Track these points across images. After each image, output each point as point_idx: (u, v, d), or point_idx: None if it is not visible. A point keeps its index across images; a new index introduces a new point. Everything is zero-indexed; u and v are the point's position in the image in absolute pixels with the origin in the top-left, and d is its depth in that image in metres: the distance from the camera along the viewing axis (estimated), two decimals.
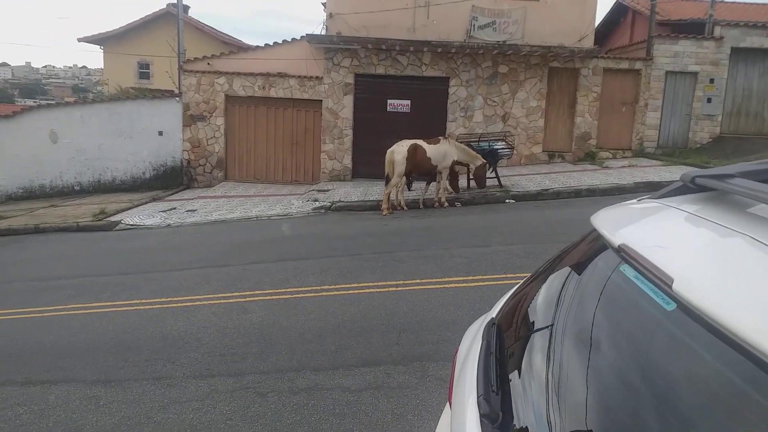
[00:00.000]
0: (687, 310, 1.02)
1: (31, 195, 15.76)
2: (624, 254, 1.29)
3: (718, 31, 15.93)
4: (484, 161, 11.95)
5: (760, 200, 1.14)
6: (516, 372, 1.59)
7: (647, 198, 1.64)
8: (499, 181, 12.78)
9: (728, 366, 0.92)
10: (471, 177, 12.32)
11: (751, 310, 0.91)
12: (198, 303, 6.42)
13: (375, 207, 11.81)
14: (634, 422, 1.09)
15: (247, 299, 6.41)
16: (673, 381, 1.05)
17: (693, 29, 16.46)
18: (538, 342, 1.62)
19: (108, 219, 12.45)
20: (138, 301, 6.68)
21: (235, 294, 6.63)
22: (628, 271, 1.28)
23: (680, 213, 1.37)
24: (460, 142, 12.18)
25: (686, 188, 1.46)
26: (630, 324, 1.26)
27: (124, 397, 4.32)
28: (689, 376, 1.02)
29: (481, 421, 1.35)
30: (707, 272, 1.09)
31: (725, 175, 1.31)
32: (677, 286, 1.04)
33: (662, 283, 1.09)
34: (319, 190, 14.23)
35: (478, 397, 1.43)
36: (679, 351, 1.06)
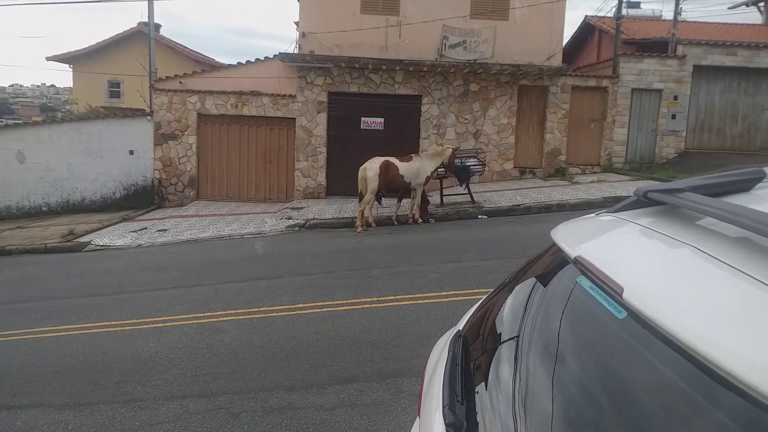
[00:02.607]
0: (637, 318, 1.07)
1: None
2: (580, 266, 1.34)
3: (680, 49, 16.45)
4: (453, 148, 12.02)
5: (706, 213, 1.20)
6: (483, 384, 1.62)
7: (604, 212, 1.71)
8: (471, 197, 12.91)
9: (675, 370, 0.97)
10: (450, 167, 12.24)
11: (693, 316, 0.97)
12: (169, 324, 6.34)
13: (349, 224, 11.83)
14: (595, 430, 1.13)
15: (220, 319, 6.35)
16: (627, 387, 1.09)
17: (657, 48, 16.98)
18: (504, 353, 1.66)
19: (77, 240, 12.24)
20: (108, 323, 6.57)
21: (207, 314, 6.57)
22: (584, 282, 1.33)
23: (633, 226, 1.44)
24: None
25: (640, 202, 1.53)
26: (587, 333, 1.31)
27: (93, 421, 4.24)
28: (640, 381, 1.06)
29: (446, 430, 1.38)
30: (655, 281, 1.14)
31: (675, 190, 1.37)
32: (627, 295, 1.09)
33: (614, 292, 1.14)
34: (293, 208, 14.20)
35: (443, 408, 1.46)
36: (631, 358, 1.11)
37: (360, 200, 11.32)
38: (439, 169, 11.88)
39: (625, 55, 16.49)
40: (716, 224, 1.21)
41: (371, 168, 11.05)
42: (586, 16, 21.19)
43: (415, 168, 11.28)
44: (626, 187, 13.43)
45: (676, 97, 16.42)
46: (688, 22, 19.89)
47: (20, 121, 21.63)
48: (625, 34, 17.44)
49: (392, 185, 11.30)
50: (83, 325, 6.57)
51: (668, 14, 20.78)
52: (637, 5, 22.89)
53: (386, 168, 11.03)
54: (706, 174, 1.61)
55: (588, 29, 21.23)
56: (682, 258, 1.17)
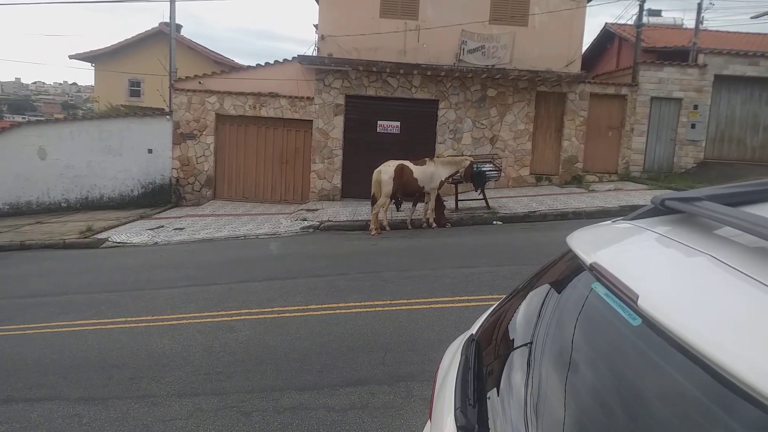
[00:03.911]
0: (651, 325, 1.07)
1: (17, 211, 15.65)
2: (595, 272, 1.34)
3: (701, 58, 16.29)
4: (471, 160, 12.06)
5: (724, 223, 1.19)
6: (495, 389, 1.62)
7: (620, 219, 1.71)
8: (486, 202, 12.87)
9: (689, 378, 0.97)
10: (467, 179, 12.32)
11: (709, 325, 0.96)
12: (184, 321, 6.40)
13: (363, 227, 11.85)
14: None
15: (234, 318, 6.40)
16: (640, 394, 1.09)
17: (677, 56, 16.84)
18: (516, 359, 1.66)
19: (95, 236, 12.38)
20: (123, 319, 6.65)
21: (221, 312, 6.62)
22: (599, 289, 1.33)
23: (650, 234, 1.43)
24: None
25: (657, 210, 1.52)
26: (601, 339, 1.31)
27: (107, 416, 4.28)
28: (654, 388, 1.06)
29: None
30: (670, 289, 1.14)
31: (693, 198, 1.37)
32: (642, 302, 1.09)
33: (629, 299, 1.14)
34: (308, 210, 14.26)
35: (455, 410, 1.47)
36: (645, 365, 1.11)
37: (373, 203, 11.34)
38: (454, 176, 11.89)
39: (645, 63, 16.37)
40: (734, 233, 1.20)
41: (386, 171, 11.07)
42: (606, 23, 21.09)
43: (429, 172, 11.28)
44: (643, 196, 13.32)
45: (696, 107, 16.26)
46: (710, 31, 19.70)
47: (42, 118, 21.95)
48: (645, 42, 17.31)
49: (406, 189, 11.32)
50: (99, 321, 6.65)
51: (690, 23, 20.57)
52: (658, 13, 22.72)
53: (401, 172, 11.05)
54: (724, 184, 1.60)
55: (608, 37, 21.11)
56: (698, 266, 1.17)
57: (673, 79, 16.21)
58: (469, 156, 13.80)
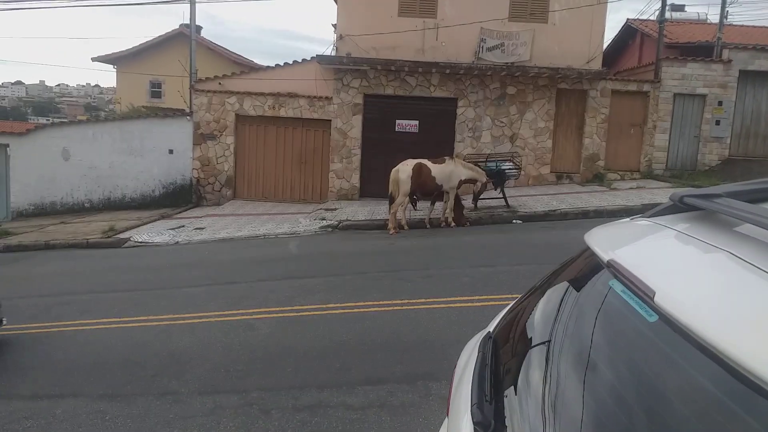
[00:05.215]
0: (668, 322, 1.06)
1: (41, 212, 15.93)
2: (613, 269, 1.33)
3: (726, 54, 16.00)
4: (487, 179, 12.04)
5: (744, 219, 1.18)
6: (512, 387, 1.62)
7: (639, 217, 1.69)
8: (506, 201, 12.80)
9: (705, 375, 0.96)
10: (477, 196, 12.38)
11: (725, 321, 0.95)
12: (204, 320, 6.47)
13: (382, 226, 11.86)
14: None
15: (253, 316, 6.45)
16: (657, 390, 1.08)
17: (701, 52, 16.57)
18: (534, 357, 1.65)
19: (117, 236, 12.57)
20: (145, 318, 6.74)
21: (241, 311, 6.67)
22: (616, 286, 1.32)
23: (668, 231, 1.42)
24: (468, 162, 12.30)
25: (676, 207, 1.51)
26: (619, 337, 1.30)
27: (129, 412, 4.35)
28: (671, 385, 1.05)
29: (474, 428, 1.39)
30: (688, 286, 1.13)
31: (712, 195, 1.35)
32: (658, 299, 1.08)
33: (645, 296, 1.13)
34: (326, 209, 14.31)
35: (471, 406, 1.47)
36: (662, 361, 1.10)
37: (390, 203, 11.32)
38: (471, 181, 11.86)
39: (667, 59, 16.13)
40: (754, 230, 1.19)
41: (404, 170, 11.04)
42: (627, 19, 20.85)
43: (447, 171, 11.23)
44: (666, 194, 13.06)
45: (720, 103, 15.97)
46: (735, 26, 19.37)
47: (65, 120, 22.34)
48: (668, 38, 17.07)
49: (424, 188, 11.27)
50: (122, 319, 6.76)
51: (714, 18, 20.28)
52: (681, 8, 22.42)
53: (419, 170, 11.02)
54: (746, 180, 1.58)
55: (629, 32, 20.86)
56: (716, 263, 1.15)
57: (696, 75, 15.94)
58: (488, 154, 13.75)
